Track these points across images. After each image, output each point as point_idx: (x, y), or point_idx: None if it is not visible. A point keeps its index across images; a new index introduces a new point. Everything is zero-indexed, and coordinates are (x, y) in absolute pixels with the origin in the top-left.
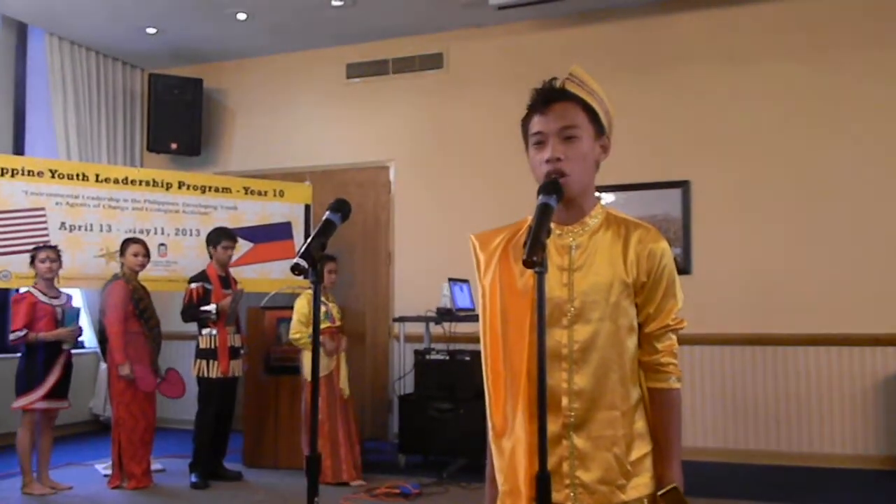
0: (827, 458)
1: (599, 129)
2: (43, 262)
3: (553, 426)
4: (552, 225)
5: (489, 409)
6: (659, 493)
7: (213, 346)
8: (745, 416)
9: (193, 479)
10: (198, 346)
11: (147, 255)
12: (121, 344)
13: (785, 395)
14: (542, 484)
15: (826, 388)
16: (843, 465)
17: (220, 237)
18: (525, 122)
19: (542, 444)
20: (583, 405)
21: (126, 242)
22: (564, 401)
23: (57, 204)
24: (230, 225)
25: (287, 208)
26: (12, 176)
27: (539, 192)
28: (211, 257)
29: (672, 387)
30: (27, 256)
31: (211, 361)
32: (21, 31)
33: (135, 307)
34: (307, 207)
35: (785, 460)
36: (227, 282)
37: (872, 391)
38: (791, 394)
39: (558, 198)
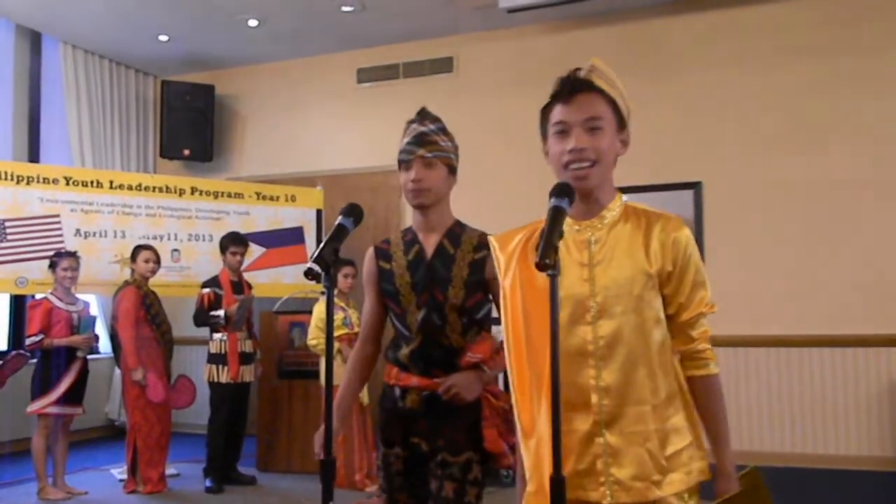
0: (842, 459)
1: (621, 123)
2: (65, 270)
3: (584, 425)
4: (569, 220)
5: (516, 409)
6: (739, 474)
7: (223, 351)
8: (759, 417)
9: (208, 483)
10: (209, 350)
11: (158, 261)
12: (133, 349)
13: (800, 396)
14: (557, 486)
15: (841, 389)
16: (858, 466)
17: (228, 243)
18: (546, 112)
19: (556, 445)
20: (612, 401)
21: (137, 249)
22: (594, 398)
23: (72, 211)
24: (242, 230)
25: (299, 213)
26: (28, 183)
27: (551, 195)
28: (224, 263)
29: (712, 372)
30: (43, 263)
31: (221, 366)
32: (35, 40)
33: (146, 313)
34: (319, 212)
35: (799, 462)
36: (239, 287)
37: (888, 392)
38: (806, 395)
39: (570, 200)
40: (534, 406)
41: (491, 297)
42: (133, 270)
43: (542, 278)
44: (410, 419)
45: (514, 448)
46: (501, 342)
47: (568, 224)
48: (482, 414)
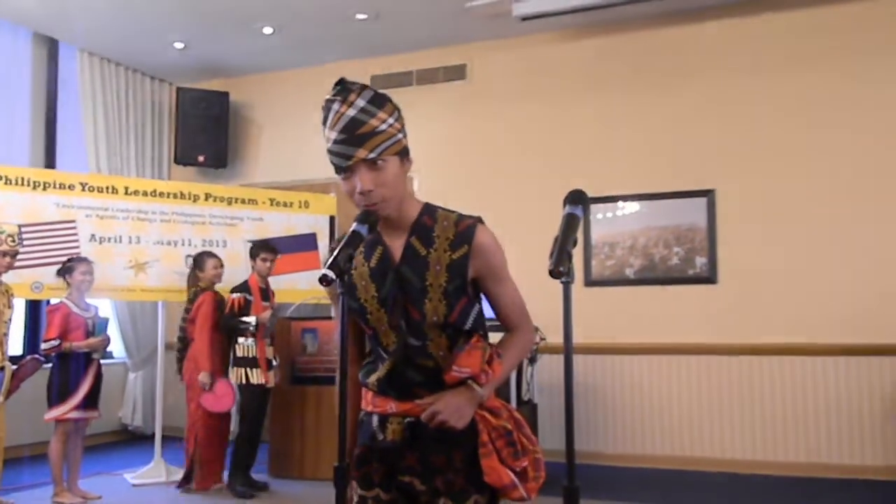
0: (859, 469)
1: None
2: (83, 274)
3: None
4: None
5: None
6: None
7: (251, 355)
8: (773, 426)
9: (239, 489)
10: (235, 354)
11: (222, 266)
12: (209, 352)
13: (814, 405)
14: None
15: (856, 398)
16: (875, 476)
17: (259, 249)
18: None
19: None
20: None
21: (204, 256)
22: None
23: (87, 216)
24: (256, 236)
25: (312, 219)
26: (44, 189)
27: (565, 202)
28: (252, 269)
29: None
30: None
31: (251, 369)
32: (52, 48)
33: (217, 319)
34: (332, 218)
35: (816, 472)
36: (266, 293)
37: None
38: (820, 404)
39: (585, 207)
40: None
41: (482, 295)
42: (198, 277)
43: None
44: (394, 455)
45: (523, 475)
46: (493, 350)
47: None
48: (479, 439)
